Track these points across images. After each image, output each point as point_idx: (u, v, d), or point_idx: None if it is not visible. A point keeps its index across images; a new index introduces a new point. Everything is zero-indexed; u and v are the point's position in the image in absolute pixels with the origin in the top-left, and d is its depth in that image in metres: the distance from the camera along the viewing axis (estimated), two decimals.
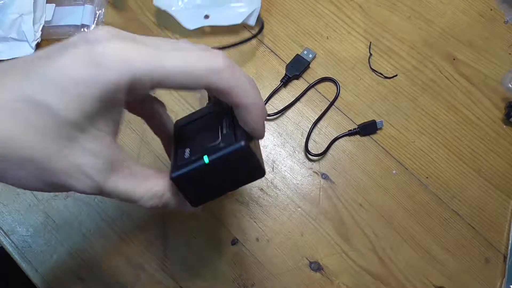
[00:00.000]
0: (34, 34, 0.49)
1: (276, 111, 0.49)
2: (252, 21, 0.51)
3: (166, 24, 0.53)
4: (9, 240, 0.44)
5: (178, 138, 0.30)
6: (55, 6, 0.51)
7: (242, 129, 0.27)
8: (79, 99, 0.20)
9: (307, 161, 0.48)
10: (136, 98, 0.23)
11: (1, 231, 0.45)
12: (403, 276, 0.45)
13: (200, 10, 0.51)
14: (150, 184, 0.26)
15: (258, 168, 0.27)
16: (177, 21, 0.50)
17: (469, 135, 0.50)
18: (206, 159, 0.25)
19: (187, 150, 0.27)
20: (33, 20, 0.49)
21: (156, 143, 0.48)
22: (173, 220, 0.45)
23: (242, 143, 0.25)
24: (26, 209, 0.45)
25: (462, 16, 0.54)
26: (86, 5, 0.51)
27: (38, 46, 0.50)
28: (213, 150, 0.26)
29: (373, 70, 0.52)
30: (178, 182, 0.26)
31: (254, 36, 0.50)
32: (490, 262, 0.46)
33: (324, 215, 0.46)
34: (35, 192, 0.46)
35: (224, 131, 0.27)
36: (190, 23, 0.50)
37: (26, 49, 0.49)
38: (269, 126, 0.49)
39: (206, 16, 0.51)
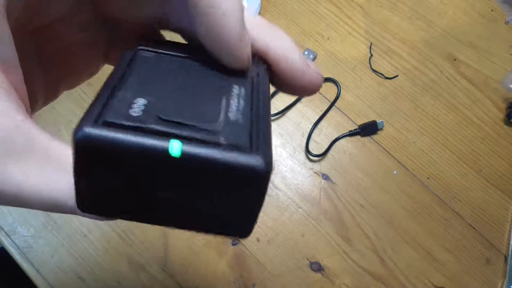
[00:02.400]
0: None
1: (277, 111, 0.49)
2: None
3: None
4: (10, 241, 0.44)
5: (130, 68, 0.16)
6: None
7: (267, 124, 0.15)
8: None
9: (307, 161, 0.48)
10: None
11: (2, 232, 0.45)
12: (403, 276, 0.45)
13: None
14: None
15: (249, 219, 0.15)
16: None
17: (470, 135, 0.49)
18: (176, 147, 0.12)
19: (141, 101, 0.14)
20: None
21: None
22: None
23: (262, 161, 0.13)
24: (27, 209, 0.45)
25: (463, 16, 0.54)
26: None
27: None
28: (199, 140, 0.13)
29: (374, 71, 0.52)
30: (83, 151, 0.13)
31: None
32: (491, 262, 0.46)
33: (324, 215, 0.46)
34: None
35: (232, 111, 0.15)
36: None
37: None
38: None
39: None
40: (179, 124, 0.13)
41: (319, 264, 0.45)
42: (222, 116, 0.14)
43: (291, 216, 0.46)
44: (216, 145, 0.13)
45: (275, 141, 0.49)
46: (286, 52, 0.17)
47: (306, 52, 0.51)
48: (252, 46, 0.17)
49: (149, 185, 0.13)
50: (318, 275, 0.44)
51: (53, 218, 0.45)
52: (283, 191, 0.47)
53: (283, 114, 0.50)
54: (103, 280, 0.44)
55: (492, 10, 0.54)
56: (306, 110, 0.50)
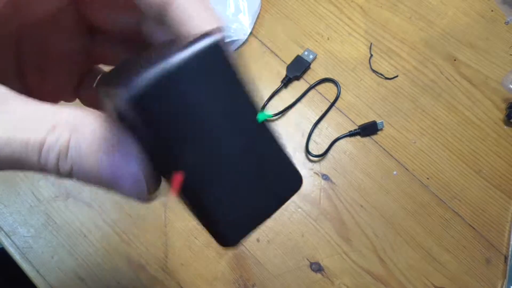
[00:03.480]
0: None
1: (276, 112, 0.49)
2: (232, 48, 0.51)
3: None
4: (10, 241, 0.44)
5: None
6: None
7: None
8: None
9: (307, 161, 0.48)
10: None
11: (2, 232, 0.45)
12: (403, 276, 0.45)
13: None
14: (54, 115, 0.14)
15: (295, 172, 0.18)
16: None
17: (470, 135, 0.49)
18: (263, 115, 0.14)
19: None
20: None
21: None
22: (173, 220, 0.45)
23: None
24: (27, 210, 0.45)
25: (463, 17, 0.54)
26: None
27: None
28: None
29: (374, 71, 0.52)
30: (143, 106, 0.12)
31: None
32: (491, 263, 0.46)
33: (324, 215, 0.46)
34: (36, 193, 0.46)
35: None
36: None
37: None
38: None
39: None
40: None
41: (319, 264, 0.45)
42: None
43: (291, 216, 0.46)
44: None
45: None
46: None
47: (306, 53, 0.51)
48: None
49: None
50: (318, 275, 0.44)
51: (53, 218, 0.45)
52: None
53: (283, 115, 0.50)
54: (103, 280, 0.44)
55: (492, 11, 0.54)
56: (306, 110, 0.50)
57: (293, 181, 0.18)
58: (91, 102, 0.21)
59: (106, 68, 0.19)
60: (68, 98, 0.22)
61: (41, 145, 0.13)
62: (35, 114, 0.13)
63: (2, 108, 0.13)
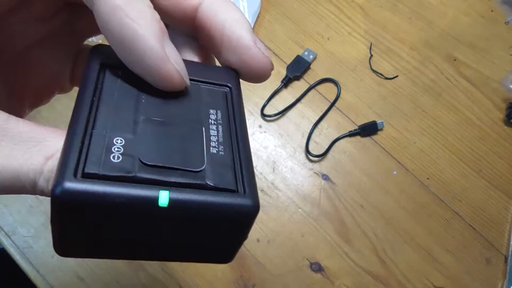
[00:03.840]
0: None
1: (277, 112, 0.49)
2: None
3: None
4: (10, 241, 0.44)
5: (98, 96, 0.14)
6: None
7: (248, 152, 0.15)
8: None
9: (307, 162, 0.48)
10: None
11: (2, 232, 0.45)
12: (403, 277, 0.45)
13: None
14: (48, 146, 0.13)
15: (233, 250, 0.15)
16: None
17: (470, 136, 0.49)
18: (164, 197, 0.12)
19: (118, 141, 0.13)
20: None
21: None
22: None
23: (251, 203, 0.13)
24: (27, 210, 0.45)
25: (463, 17, 0.54)
26: None
27: None
28: (186, 184, 0.13)
29: (374, 71, 0.52)
30: (65, 207, 0.12)
31: None
32: (491, 263, 0.46)
33: (324, 216, 0.46)
34: None
35: (214, 145, 0.14)
36: None
37: None
38: (270, 127, 0.49)
39: None
40: (163, 169, 0.13)
41: (319, 265, 0.45)
42: (205, 152, 0.14)
43: (291, 217, 0.46)
44: (203, 189, 0.13)
45: (275, 141, 0.49)
46: (233, 26, 0.16)
47: (306, 53, 0.51)
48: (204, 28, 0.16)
49: (134, 232, 0.13)
50: (318, 275, 0.44)
51: None
52: (283, 192, 0.47)
53: (283, 115, 0.50)
54: (102, 280, 0.44)
55: (492, 11, 0.54)
56: (306, 110, 0.50)
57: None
58: None
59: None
60: (64, 88, 0.20)
61: (39, 174, 0.13)
62: (28, 140, 0.13)
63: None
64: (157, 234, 0.13)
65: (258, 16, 0.53)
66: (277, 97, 0.50)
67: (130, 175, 0.12)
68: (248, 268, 0.44)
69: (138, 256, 0.15)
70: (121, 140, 0.13)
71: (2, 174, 0.13)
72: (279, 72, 0.51)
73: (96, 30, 0.19)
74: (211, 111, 0.15)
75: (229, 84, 0.16)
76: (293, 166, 0.48)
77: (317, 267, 0.45)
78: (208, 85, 0.16)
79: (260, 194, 0.46)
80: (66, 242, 0.13)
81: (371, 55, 0.52)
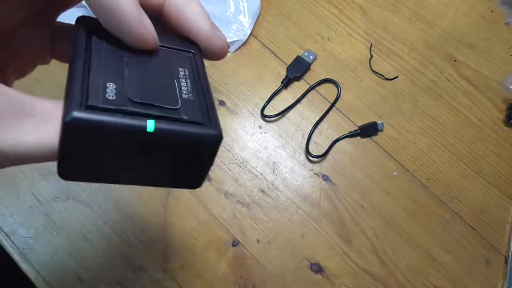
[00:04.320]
0: None
1: (277, 112, 0.49)
2: (232, 49, 0.51)
3: None
4: (10, 242, 0.44)
5: (91, 52, 0.18)
6: None
7: (211, 99, 0.19)
8: None
9: (307, 162, 0.48)
10: None
11: (2, 233, 0.45)
12: (403, 277, 0.45)
13: None
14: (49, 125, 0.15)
15: (201, 175, 0.18)
16: None
17: (470, 136, 0.49)
18: (150, 125, 0.15)
19: (111, 85, 0.16)
20: None
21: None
22: (173, 221, 0.45)
23: (216, 132, 0.17)
24: (27, 210, 0.45)
25: (463, 17, 0.54)
26: (87, 7, 0.51)
27: None
28: (167, 117, 0.16)
29: (374, 72, 0.52)
30: (74, 132, 0.15)
31: None
32: (491, 263, 0.46)
33: (324, 216, 0.46)
34: (36, 194, 0.46)
35: (185, 92, 0.18)
36: None
37: None
38: (270, 128, 0.49)
39: None
40: (149, 105, 0.16)
41: (319, 265, 0.45)
42: (179, 96, 0.18)
43: (291, 217, 0.46)
44: (181, 121, 0.16)
45: (275, 142, 0.49)
46: (195, 18, 0.20)
47: (306, 53, 0.51)
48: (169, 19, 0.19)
49: (127, 156, 0.16)
50: (318, 276, 0.44)
51: (53, 219, 0.45)
52: (283, 192, 0.47)
53: (283, 115, 0.50)
54: (103, 281, 0.44)
55: (492, 11, 0.54)
56: (306, 111, 0.50)
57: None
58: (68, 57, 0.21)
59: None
60: (45, 61, 0.22)
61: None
62: (46, 111, 0.15)
63: (18, 111, 0.15)
64: (144, 159, 0.16)
65: (258, 17, 0.53)
66: (277, 98, 0.50)
67: (124, 108, 0.15)
68: (248, 269, 0.44)
69: (127, 180, 0.18)
70: (112, 84, 0.16)
71: (18, 148, 0.14)
72: (279, 73, 0.51)
73: (68, 4, 0.22)
74: (180, 69, 0.19)
75: (192, 51, 0.20)
76: (293, 167, 0.48)
77: (317, 268, 0.45)
78: (176, 50, 0.20)
79: (260, 194, 0.47)
80: (70, 166, 0.16)
81: (371, 56, 0.52)
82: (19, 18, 0.19)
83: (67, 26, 0.22)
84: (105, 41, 0.18)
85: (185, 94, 0.18)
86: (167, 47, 0.20)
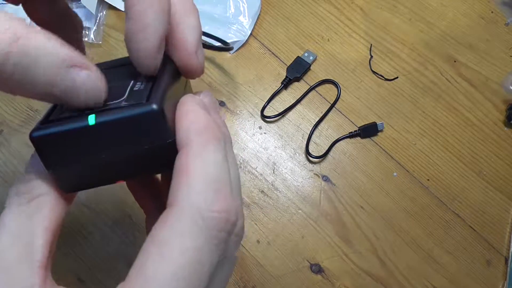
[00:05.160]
0: None
1: (277, 113, 0.49)
2: (232, 50, 0.51)
3: None
4: None
5: None
6: None
7: (164, 88, 0.19)
8: None
9: (307, 163, 0.48)
10: None
11: None
12: (404, 278, 0.45)
13: None
14: None
15: (168, 151, 0.19)
16: None
17: (470, 137, 0.49)
18: (91, 119, 0.17)
19: None
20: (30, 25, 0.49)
21: None
22: None
23: (154, 106, 0.18)
24: None
25: (463, 18, 0.54)
26: (87, 7, 0.51)
27: None
28: (108, 110, 0.18)
29: (374, 72, 0.52)
30: (40, 146, 0.18)
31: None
32: (492, 264, 0.46)
33: (325, 217, 0.46)
34: None
35: (137, 87, 0.19)
36: None
37: None
38: (270, 128, 0.49)
39: None
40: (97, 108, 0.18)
41: (319, 266, 0.45)
42: (127, 91, 0.19)
43: (291, 218, 0.46)
44: (118, 108, 0.18)
45: (275, 142, 0.49)
46: (185, 30, 0.20)
47: (306, 54, 0.51)
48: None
49: (91, 152, 0.18)
50: (318, 276, 0.44)
51: None
52: (283, 193, 0.47)
53: (283, 116, 0.50)
54: (103, 282, 0.43)
55: (492, 12, 0.54)
56: (306, 111, 0.50)
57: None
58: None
59: None
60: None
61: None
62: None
63: None
64: (104, 152, 0.18)
65: (258, 17, 0.53)
66: (277, 98, 0.50)
67: (74, 114, 0.18)
68: (248, 270, 0.44)
69: (115, 177, 0.20)
70: None
71: None
72: (279, 73, 0.51)
73: None
74: (139, 78, 0.20)
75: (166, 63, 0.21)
76: (293, 167, 0.48)
77: (317, 269, 0.45)
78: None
79: (260, 195, 0.47)
80: (61, 178, 0.19)
81: (371, 56, 0.52)
82: None
83: None
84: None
85: (136, 87, 0.19)
86: None
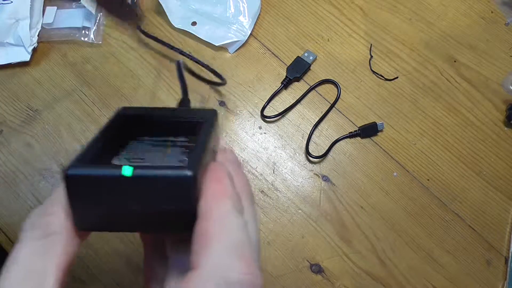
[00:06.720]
0: (30, 39, 0.49)
1: (276, 113, 0.49)
2: (232, 50, 0.51)
3: (163, 16, 0.53)
4: (10, 242, 0.44)
5: (114, 127, 0.22)
6: (57, 8, 0.51)
7: (201, 154, 0.20)
8: None
9: (307, 163, 0.48)
10: None
11: (1, 233, 0.45)
12: (404, 278, 0.45)
13: (191, 14, 0.52)
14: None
15: (191, 216, 0.19)
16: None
17: (470, 137, 0.49)
18: (128, 170, 0.18)
19: (121, 154, 0.21)
20: (29, 25, 0.49)
21: None
22: None
23: (188, 172, 0.18)
24: (27, 211, 0.45)
25: (463, 18, 0.54)
26: (87, 7, 0.51)
27: (34, 50, 0.50)
28: (146, 166, 0.19)
29: (374, 72, 0.52)
30: (71, 185, 0.19)
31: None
32: (492, 264, 0.46)
33: (325, 217, 0.46)
34: (36, 195, 0.46)
35: (177, 148, 0.21)
36: (176, 21, 0.51)
37: (22, 54, 0.49)
38: (270, 128, 0.49)
39: (194, 23, 0.51)
40: (132, 161, 0.21)
41: (319, 266, 0.45)
42: (166, 152, 0.21)
43: (291, 218, 0.46)
44: (157, 166, 0.19)
45: (275, 142, 0.49)
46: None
47: (306, 54, 0.51)
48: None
49: (119, 201, 0.19)
50: (318, 276, 0.44)
51: None
52: (283, 193, 0.47)
53: (283, 116, 0.50)
54: (102, 282, 0.43)
55: (492, 12, 0.54)
56: (306, 111, 0.50)
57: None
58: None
59: None
60: None
61: None
62: None
63: None
64: (131, 203, 0.19)
65: (258, 17, 0.53)
66: (277, 98, 0.50)
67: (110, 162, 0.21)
68: None
69: (129, 227, 0.20)
70: (122, 154, 0.22)
71: None
72: (279, 73, 0.51)
73: None
74: (180, 137, 0.23)
75: (202, 120, 0.24)
76: (293, 167, 0.48)
77: (317, 269, 0.45)
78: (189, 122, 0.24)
79: (260, 195, 0.46)
80: (80, 215, 0.19)
81: (371, 56, 0.52)
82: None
83: None
84: (136, 123, 0.24)
85: (175, 148, 0.21)
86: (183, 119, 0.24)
